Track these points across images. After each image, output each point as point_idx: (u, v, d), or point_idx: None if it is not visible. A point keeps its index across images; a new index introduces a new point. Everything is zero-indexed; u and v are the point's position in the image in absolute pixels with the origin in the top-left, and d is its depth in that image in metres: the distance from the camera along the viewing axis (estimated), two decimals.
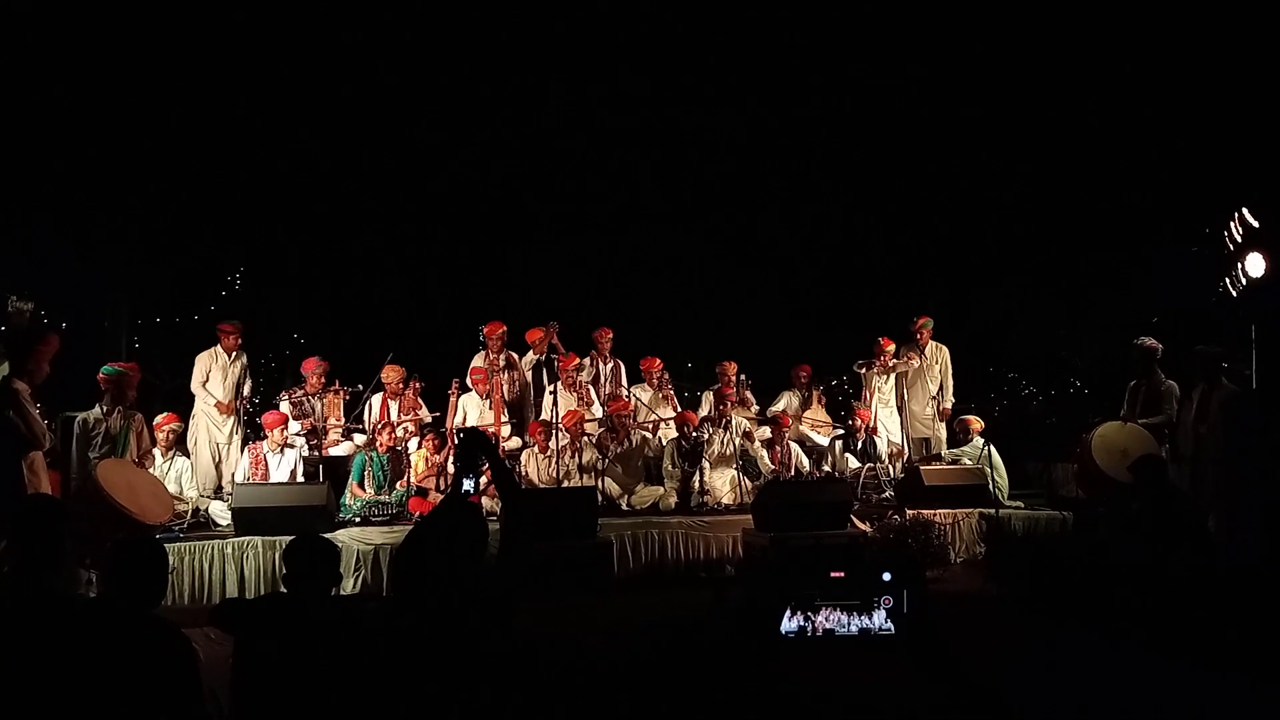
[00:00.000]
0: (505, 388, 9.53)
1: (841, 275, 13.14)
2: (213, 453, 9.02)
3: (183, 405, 9.17)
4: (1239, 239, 8.03)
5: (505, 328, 9.64)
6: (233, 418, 9.04)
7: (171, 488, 7.96)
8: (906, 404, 10.11)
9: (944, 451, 9.79)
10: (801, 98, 11.87)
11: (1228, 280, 8.21)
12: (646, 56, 11.32)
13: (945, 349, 10.27)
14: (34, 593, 3.26)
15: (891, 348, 10.10)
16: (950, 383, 10.23)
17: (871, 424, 9.91)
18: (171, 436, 8.29)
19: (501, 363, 9.49)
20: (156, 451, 8.06)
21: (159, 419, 8.27)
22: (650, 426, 9.86)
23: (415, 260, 12.39)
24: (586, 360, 10.03)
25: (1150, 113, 10.49)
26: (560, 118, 11.85)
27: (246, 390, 9.18)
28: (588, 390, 9.77)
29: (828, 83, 11.70)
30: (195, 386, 9.08)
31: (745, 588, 4.84)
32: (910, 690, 4.15)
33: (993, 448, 9.38)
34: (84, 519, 6.56)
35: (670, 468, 9.02)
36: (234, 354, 9.14)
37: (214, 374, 9.06)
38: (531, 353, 9.81)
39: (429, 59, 11.04)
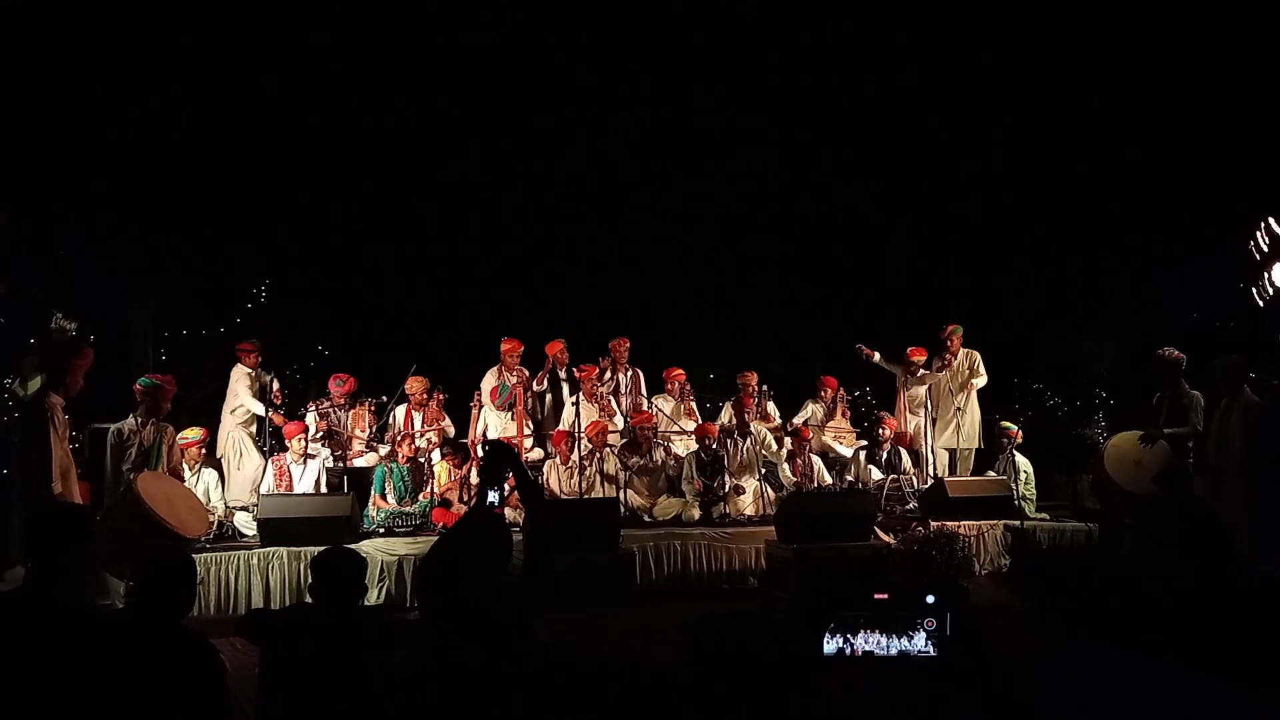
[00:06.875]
0: (528, 401, 9.60)
1: (867, 284, 13.08)
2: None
3: (208, 418, 9.24)
4: (1265, 248, 8.00)
5: (522, 345, 9.69)
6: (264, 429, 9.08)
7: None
8: (934, 414, 9.96)
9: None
10: (825, 106, 11.86)
11: (1254, 290, 8.16)
12: (668, 66, 11.35)
13: (977, 354, 10.06)
14: (51, 602, 3.30)
15: (921, 358, 10.04)
16: (984, 378, 10.02)
17: (904, 435, 9.84)
18: (199, 450, 8.34)
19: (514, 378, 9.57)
20: (184, 465, 8.10)
21: (184, 433, 8.30)
22: (669, 437, 9.86)
23: (438, 271, 12.44)
24: (607, 373, 10.06)
25: (1175, 124, 10.42)
26: (582, 127, 11.89)
27: (275, 387, 9.23)
28: (609, 402, 9.78)
29: (852, 92, 11.70)
30: (244, 399, 9.13)
31: (790, 606, 4.78)
32: (953, 713, 4.12)
33: (1022, 457, 9.34)
34: (121, 530, 6.60)
35: (690, 480, 9.03)
36: (256, 370, 9.21)
37: (248, 388, 9.14)
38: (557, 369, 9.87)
39: (450, 77, 11.13)
